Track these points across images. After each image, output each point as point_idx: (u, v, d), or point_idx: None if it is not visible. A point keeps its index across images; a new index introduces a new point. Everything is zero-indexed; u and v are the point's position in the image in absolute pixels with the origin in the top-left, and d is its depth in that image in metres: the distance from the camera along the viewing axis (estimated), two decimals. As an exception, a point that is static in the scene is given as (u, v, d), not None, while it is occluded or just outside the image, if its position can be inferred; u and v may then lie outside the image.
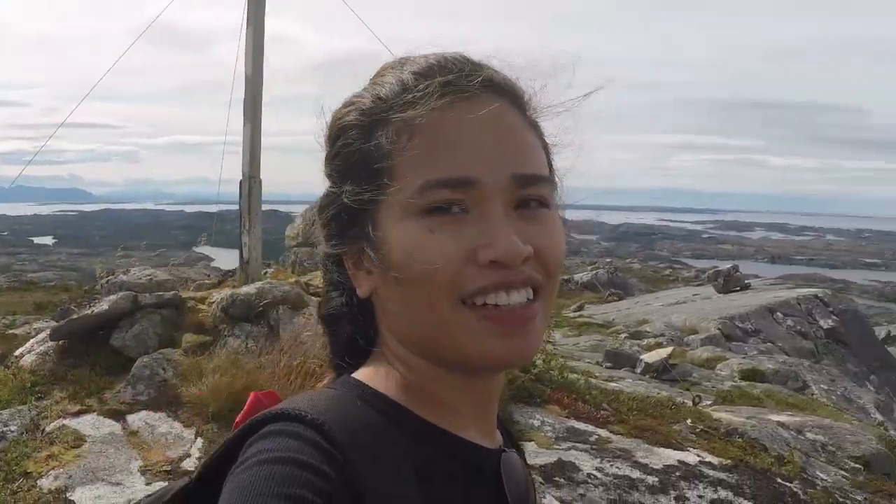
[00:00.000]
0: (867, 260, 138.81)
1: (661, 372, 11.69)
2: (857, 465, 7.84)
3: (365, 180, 0.99)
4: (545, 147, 1.05)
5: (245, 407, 1.10)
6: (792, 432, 8.31)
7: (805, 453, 7.72)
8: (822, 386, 13.36)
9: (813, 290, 21.03)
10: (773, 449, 7.59)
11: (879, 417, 12.67)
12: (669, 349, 13.04)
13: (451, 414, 1.03)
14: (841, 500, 6.75)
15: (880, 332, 27.87)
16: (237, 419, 1.07)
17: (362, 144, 1.00)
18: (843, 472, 7.52)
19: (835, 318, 18.23)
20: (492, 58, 1.04)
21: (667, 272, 59.72)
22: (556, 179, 1.05)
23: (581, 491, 6.04)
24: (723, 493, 6.29)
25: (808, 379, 13.46)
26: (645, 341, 15.52)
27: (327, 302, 1.13)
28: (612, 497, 6.02)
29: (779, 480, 6.76)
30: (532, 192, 0.97)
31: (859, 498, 6.93)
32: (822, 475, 7.25)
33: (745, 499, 6.28)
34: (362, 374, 1.06)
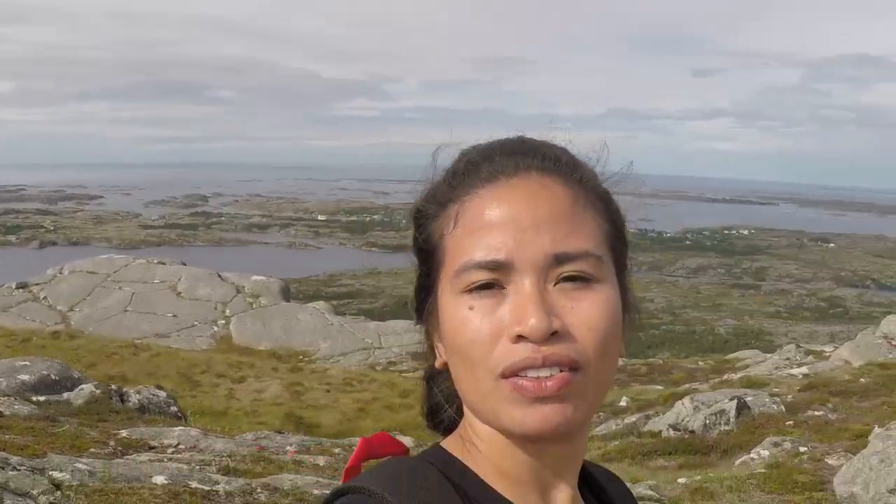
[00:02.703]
0: None
1: None
2: None
3: (427, 262, 1.10)
4: (612, 218, 1.10)
5: (355, 451, 1.18)
6: None
7: None
8: None
9: None
10: None
11: None
12: None
13: (520, 486, 1.08)
14: None
15: None
16: (348, 464, 1.16)
17: (426, 230, 1.10)
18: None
19: None
20: (555, 136, 1.12)
21: None
22: (625, 250, 1.11)
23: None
24: None
25: None
26: None
27: (430, 367, 1.21)
28: None
29: None
30: (571, 268, 1.00)
31: None
32: None
33: None
34: (449, 443, 1.14)
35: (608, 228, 1.07)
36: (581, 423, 1.03)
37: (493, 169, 1.05)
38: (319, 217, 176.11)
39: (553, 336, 0.97)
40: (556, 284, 1.00)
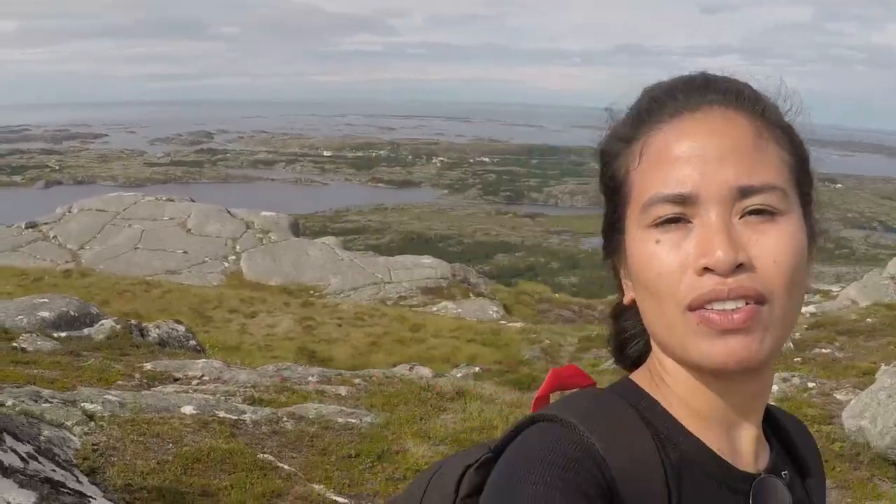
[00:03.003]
0: None
1: None
2: None
3: (613, 199, 1.12)
4: (796, 151, 1.09)
5: (545, 381, 1.24)
6: None
7: None
8: None
9: None
10: None
11: None
12: None
13: (706, 421, 1.10)
14: None
15: None
16: (537, 394, 1.23)
17: (611, 167, 1.12)
18: None
19: None
20: (734, 71, 1.12)
21: None
22: (809, 182, 1.10)
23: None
24: None
25: None
26: None
27: (617, 303, 1.22)
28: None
29: None
30: (756, 201, 1.00)
31: None
32: None
33: None
34: (638, 376, 1.17)
35: (792, 161, 1.07)
36: (767, 357, 1.03)
37: (677, 104, 1.06)
38: (325, 153, 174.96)
39: (739, 268, 0.98)
40: (741, 217, 1.00)
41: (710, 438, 1.09)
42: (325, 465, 6.71)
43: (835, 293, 25.40)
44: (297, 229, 40.31)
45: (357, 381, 9.92)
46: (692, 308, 1.00)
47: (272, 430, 7.31)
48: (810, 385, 11.45)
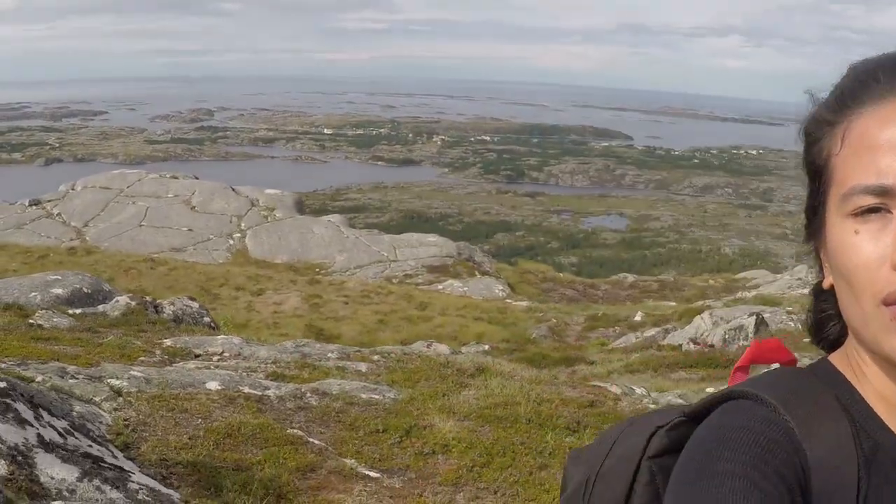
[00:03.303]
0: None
1: None
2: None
3: (815, 181, 1.10)
4: None
5: (746, 352, 1.25)
6: None
7: None
8: None
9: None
10: None
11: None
12: None
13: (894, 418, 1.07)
14: None
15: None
16: (738, 363, 1.25)
17: (815, 150, 1.10)
18: None
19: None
20: None
21: None
22: None
23: None
24: None
25: None
26: None
27: (818, 283, 1.20)
28: None
29: None
30: None
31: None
32: None
33: None
34: (836, 358, 1.15)
35: None
36: None
37: (880, 88, 1.02)
38: (325, 131, 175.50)
39: None
40: None
41: None
42: (354, 440, 6.70)
43: None
44: (301, 207, 40.34)
45: (376, 357, 9.91)
46: (888, 303, 0.97)
47: (298, 406, 7.30)
48: (825, 363, 11.46)
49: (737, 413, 1.05)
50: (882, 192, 0.98)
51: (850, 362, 1.11)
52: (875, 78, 1.04)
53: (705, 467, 0.98)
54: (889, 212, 0.98)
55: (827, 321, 1.19)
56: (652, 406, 9.02)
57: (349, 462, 6.20)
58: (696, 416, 1.12)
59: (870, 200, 0.99)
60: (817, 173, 1.09)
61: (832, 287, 1.09)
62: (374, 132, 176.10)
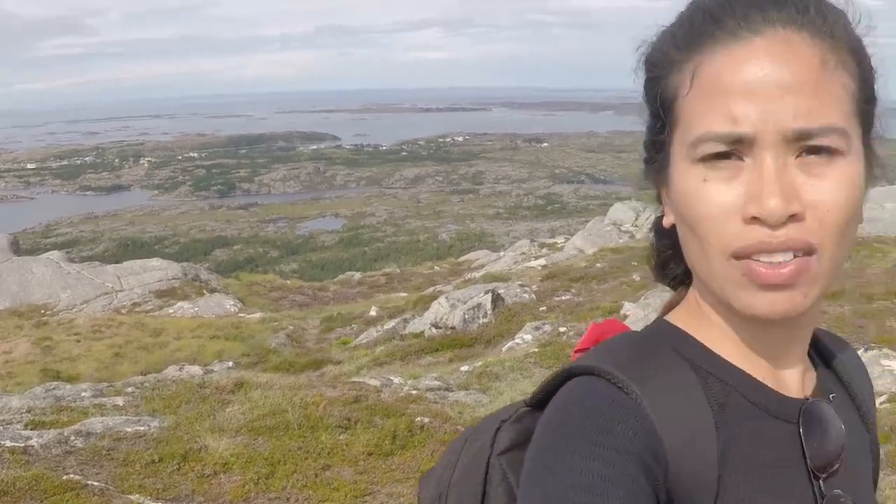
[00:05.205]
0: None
1: None
2: None
3: (660, 117, 1.03)
4: (864, 76, 0.99)
5: (585, 335, 1.22)
6: None
7: None
8: None
9: None
10: None
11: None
12: None
13: (750, 352, 1.06)
14: None
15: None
16: (577, 346, 1.21)
17: (660, 85, 1.02)
18: None
19: None
20: None
21: None
22: (873, 107, 1.01)
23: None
24: None
25: None
26: None
27: (657, 220, 1.17)
28: None
29: None
30: (816, 143, 0.93)
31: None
32: None
33: None
34: (676, 317, 1.12)
35: (856, 88, 0.97)
36: (812, 307, 0.98)
37: (735, 25, 0.95)
38: (29, 166, 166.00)
39: (790, 218, 0.92)
40: (797, 157, 0.93)
41: (754, 369, 1.06)
42: (132, 475, 6.61)
43: (561, 244, 26.97)
44: (17, 248, 38.01)
45: (130, 389, 9.68)
46: (738, 257, 0.94)
47: (65, 451, 7.07)
48: (562, 329, 12.21)
49: (579, 392, 1.01)
50: (735, 139, 0.93)
51: (692, 314, 1.10)
52: (730, 12, 0.97)
53: (556, 455, 0.94)
54: (740, 159, 0.94)
55: (670, 260, 1.18)
56: (414, 392, 9.37)
57: (134, 498, 6.13)
58: (539, 402, 1.09)
59: (721, 148, 0.94)
60: (662, 109, 1.03)
61: (673, 227, 1.06)
62: (79, 161, 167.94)
